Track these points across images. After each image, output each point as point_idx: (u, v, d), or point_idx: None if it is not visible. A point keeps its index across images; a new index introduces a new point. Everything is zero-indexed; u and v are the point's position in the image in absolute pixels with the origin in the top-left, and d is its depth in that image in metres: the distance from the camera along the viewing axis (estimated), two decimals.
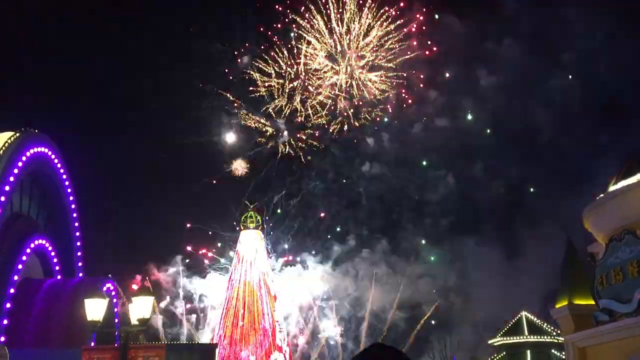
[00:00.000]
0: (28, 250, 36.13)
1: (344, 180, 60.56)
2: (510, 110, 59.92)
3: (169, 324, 52.89)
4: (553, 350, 39.11)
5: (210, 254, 55.19)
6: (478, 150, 60.54)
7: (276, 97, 60.05)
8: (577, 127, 55.97)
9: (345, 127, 61.03)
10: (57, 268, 40.28)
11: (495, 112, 59.57)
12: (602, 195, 21.56)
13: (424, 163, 61.29)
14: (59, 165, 39.77)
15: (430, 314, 53.33)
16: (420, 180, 60.63)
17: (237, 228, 49.22)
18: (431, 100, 61.38)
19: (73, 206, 41.73)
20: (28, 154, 35.67)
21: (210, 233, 55.30)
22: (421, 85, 61.99)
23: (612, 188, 21.17)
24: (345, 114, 61.17)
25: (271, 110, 59.82)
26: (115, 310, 37.43)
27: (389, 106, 61.61)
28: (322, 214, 59.74)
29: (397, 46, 61.01)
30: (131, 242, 56.79)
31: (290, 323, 53.29)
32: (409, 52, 60.77)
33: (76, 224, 42.17)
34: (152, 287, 52.94)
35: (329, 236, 58.86)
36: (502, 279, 52.32)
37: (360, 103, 61.57)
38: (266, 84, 59.79)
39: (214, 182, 58.26)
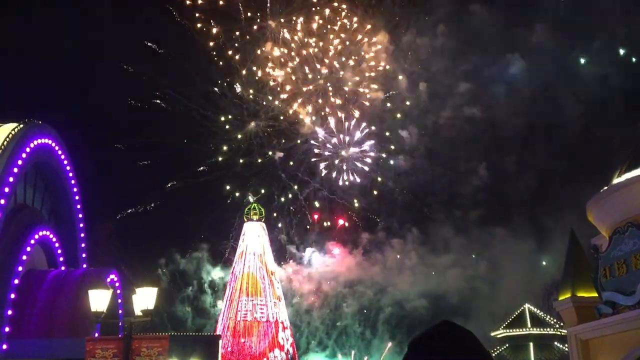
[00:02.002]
0: (32, 242, 36.19)
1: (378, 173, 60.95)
2: (540, 100, 59.30)
3: (195, 313, 53.42)
4: (556, 343, 39.17)
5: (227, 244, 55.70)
6: (509, 142, 60.20)
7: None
8: (610, 118, 55.24)
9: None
10: (61, 259, 40.37)
11: (526, 103, 59.11)
12: (605, 187, 21.53)
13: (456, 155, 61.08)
14: (62, 157, 39.82)
15: (455, 306, 53.45)
16: (451, 172, 60.62)
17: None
18: (461, 92, 61.13)
19: (77, 197, 41.81)
20: (32, 145, 35.69)
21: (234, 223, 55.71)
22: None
23: (615, 181, 21.14)
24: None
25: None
26: (119, 301, 37.53)
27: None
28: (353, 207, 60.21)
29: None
30: (142, 233, 57.25)
31: (313, 316, 53.61)
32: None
33: (80, 215, 42.25)
34: (174, 275, 53.81)
35: (359, 226, 59.18)
36: (529, 271, 52.06)
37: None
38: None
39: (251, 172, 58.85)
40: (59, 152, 39.40)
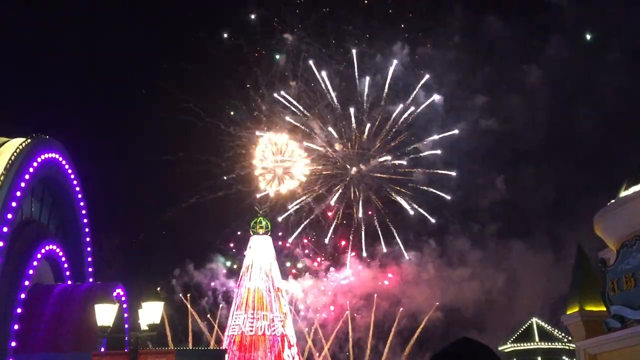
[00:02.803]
0: (39, 256, 36.25)
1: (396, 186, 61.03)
2: (558, 113, 58.89)
3: (210, 327, 53.22)
4: (564, 357, 38.86)
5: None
6: (527, 154, 59.82)
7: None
8: (629, 130, 54.67)
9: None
10: (67, 273, 40.40)
11: (544, 115, 58.71)
12: (612, 201, 21.44)
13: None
14: (69, 171, 39.97)
15: (470, 319, 53.07)
16: (468, 185, 60.49)
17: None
18: (479, 104, 60.97)
19: (84, 212, 41.90)
20: (39, 159, 35.85)
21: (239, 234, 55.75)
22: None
23: (622, 194, 21.06)
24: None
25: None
26: (125, 315, 37.49)
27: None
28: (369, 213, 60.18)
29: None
30: (146, 246, 57.32)
31: (327, 329, 53.36)
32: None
33: (87, 230, 42.33)
34: (188, 288, 53.69)
35: (375, 239, 59.04)
36: (546, 284, 51.54)
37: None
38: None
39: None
40: (66, 166, 39.56)
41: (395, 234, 59.15)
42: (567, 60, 58.57)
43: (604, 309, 20.92)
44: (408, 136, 62.25)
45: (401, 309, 53.91)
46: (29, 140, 35.37)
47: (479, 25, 61.10)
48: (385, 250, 57.55)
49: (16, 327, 32.92)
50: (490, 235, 56.95)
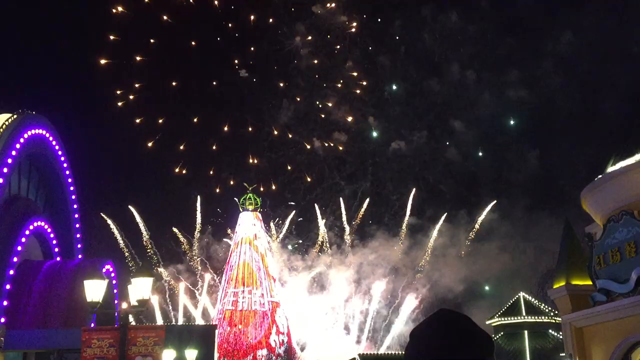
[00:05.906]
0: (27, 232, 36.17)
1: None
2: (590, 83, 57.83)
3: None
4: (550, 331, 39.27)
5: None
6: (560, 127, 59.24)
7: None
8: None
9: None
10: (56, 250, 40.37)
11: (581, 85, 57.82)
12: (600, 176, 21.56)
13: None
14: (57, 147, 39.73)
15: (487, 293, 52.98)
16: (500, 160, 60.22)
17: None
18: (510, 77, 60.29)
19: (72, 188, 41.75)
20: (26, 135, 35.60)
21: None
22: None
23: (610, 169, 21.17)
24: None
25: None
26: (115, 291, 37.56)
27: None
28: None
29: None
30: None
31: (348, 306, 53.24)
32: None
33: (75, 206, 42.20)
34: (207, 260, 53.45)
35: (403, 215, 58.74)
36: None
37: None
38: None
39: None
40: (54, 142, 39.31)
41: (424, 209, 59.00)
42: (600, 28, 57.26)
43: (590, 283, 21.15)
44: (438, 111, 62.09)
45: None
46: (15, 116, 35.08)
47: None
48: (412, 224, 57.21)
49: (5, 303, 32.94)
50: (521, 210, 56.71)
